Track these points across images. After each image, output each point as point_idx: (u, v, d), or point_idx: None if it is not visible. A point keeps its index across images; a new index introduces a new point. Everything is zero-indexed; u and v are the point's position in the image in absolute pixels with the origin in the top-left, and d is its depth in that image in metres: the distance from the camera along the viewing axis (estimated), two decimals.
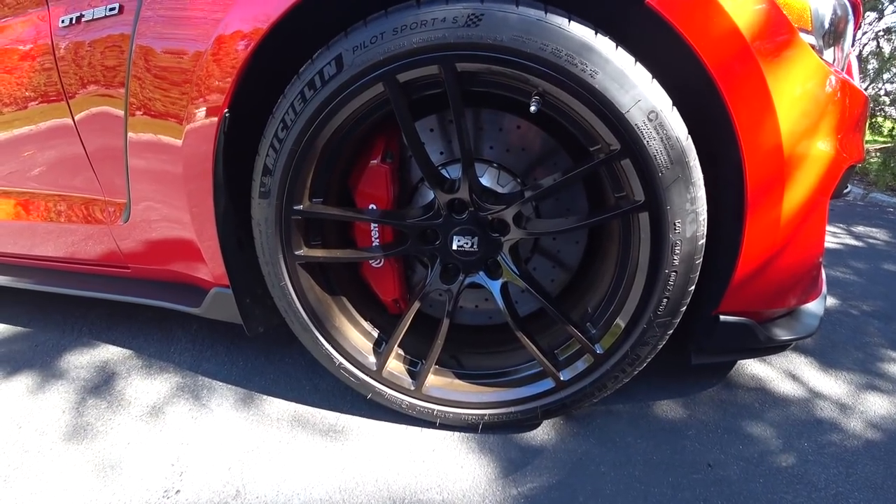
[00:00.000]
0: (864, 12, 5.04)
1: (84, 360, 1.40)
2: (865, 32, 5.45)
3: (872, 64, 5.36)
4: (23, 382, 1.30)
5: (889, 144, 4.76)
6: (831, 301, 1.84)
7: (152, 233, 1.19)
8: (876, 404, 1.25)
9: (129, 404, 1.21)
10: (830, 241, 2.65)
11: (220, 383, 1.29)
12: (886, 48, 5.35)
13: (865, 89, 5.28)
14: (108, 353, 1.43)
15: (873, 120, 5.61)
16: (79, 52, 1.08)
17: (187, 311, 1.24)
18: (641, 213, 0.87)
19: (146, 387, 1.27)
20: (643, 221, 0.88)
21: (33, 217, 1.36)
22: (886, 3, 5.08)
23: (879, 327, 1.65)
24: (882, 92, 5.58)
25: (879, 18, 5.38)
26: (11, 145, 1.28)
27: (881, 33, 5.45)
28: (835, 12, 0.94)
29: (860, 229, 2.96)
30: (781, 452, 1.08)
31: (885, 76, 5.29)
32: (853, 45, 1.10)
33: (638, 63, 0.80)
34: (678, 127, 0.81)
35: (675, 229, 0.85)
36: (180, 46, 0.96)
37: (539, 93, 0.83)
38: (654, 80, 0.80)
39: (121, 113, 1.07)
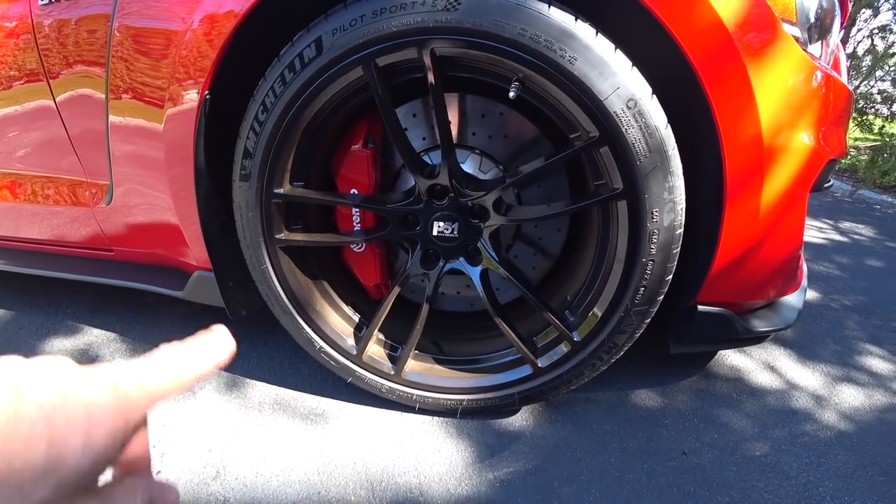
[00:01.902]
0: (860, 9, 5.04)
1: (68, 343, 1.39)
2: (860, 29, 5.45)
3: (867, 61, 5.37)
4: None
5: (879, 142, 4.78)
6: (813, 294, 1.86)
7: (135, 216, 1.18)
8: (851, 396, 1.27)
9: None
10: (816, 236, 2.67)
11: None
12: (880, 46, 5.35)
13: (858, 87, 5.29)
14: (93, 336, 1.43)
15: (864, 118, 5.60)
16: (59, 31, 1.07)
17: (170, 294, 1.24)
18: (620, 202, 0.87)
19: None
20: (621, 210, 0.88)
21: (18, 198, 1.35)
22: (882, 0, 5.07)
23: (859, 321, 1.67)
24: (875, 90, 5.59)
25: (875, 16, 5.38)
26: None
27: (875, 31, 5.45)
28: (820, 6, 0.93)
29: (846, 225, 2.99)
30: (755, 441, 1.10)
31: (878, 73, 5.29)
32: (847, 41, 1.10)
33: (618, 50, 0.79)
34: (657, 115, 0.81)
35: (652, 218, 0.85)
36: (161, 26, 0.95)
37: (519, 79, 0.83)
38: (634, 68, 0.80)
39: (101, 94, 1.06)
